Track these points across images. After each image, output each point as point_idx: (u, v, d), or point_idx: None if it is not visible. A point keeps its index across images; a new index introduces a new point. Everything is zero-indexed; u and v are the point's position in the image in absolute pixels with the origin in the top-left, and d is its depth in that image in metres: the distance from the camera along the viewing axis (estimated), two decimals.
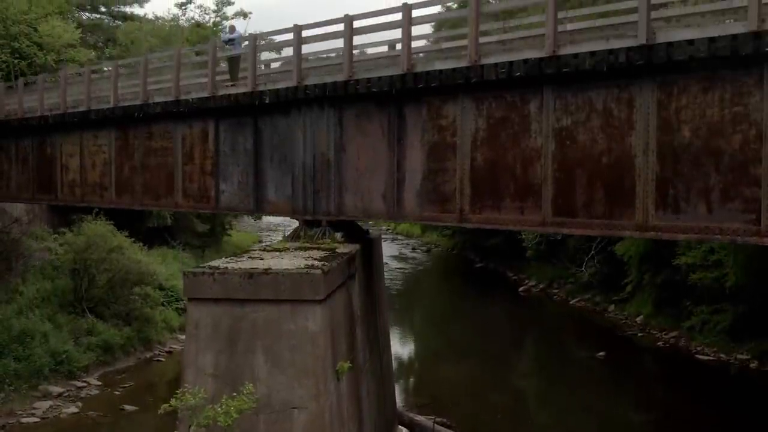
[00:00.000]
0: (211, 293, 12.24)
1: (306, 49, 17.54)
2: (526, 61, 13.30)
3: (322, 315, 12.14)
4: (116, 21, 48.51)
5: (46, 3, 41.17)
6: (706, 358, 29.54)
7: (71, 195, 24.83)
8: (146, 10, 59.24)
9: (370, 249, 17.67)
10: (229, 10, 57.97)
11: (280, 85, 17.58)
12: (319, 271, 12.20)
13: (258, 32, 18.76)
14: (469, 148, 14.56)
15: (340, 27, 16.24)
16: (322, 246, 15.77)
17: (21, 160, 27.00)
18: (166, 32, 47.31)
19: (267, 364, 11.96)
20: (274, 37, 19.06)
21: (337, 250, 15.15)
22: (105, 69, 24.23)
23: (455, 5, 49.70)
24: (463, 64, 14.16)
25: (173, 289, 35.59)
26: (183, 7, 55.45)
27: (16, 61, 37.40)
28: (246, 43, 18.80)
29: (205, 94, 19.36)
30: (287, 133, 17.90)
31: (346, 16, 16.06)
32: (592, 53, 12.49)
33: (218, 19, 56.95)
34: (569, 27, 14.48)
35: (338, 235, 16.84)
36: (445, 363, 31.30)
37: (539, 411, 25.85)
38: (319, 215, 17.18)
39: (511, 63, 13.49)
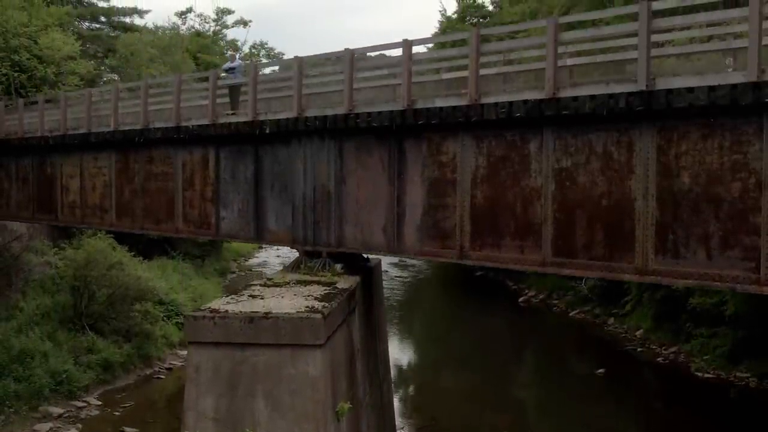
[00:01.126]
0: (212, 337, 12.27)
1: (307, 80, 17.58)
2: (526, 101, 13.33)
3: (322, 359, 12.17)
4: (116, 31, 48.48)
5: (46, 15, 41.23)
6: (705, 375, 29.57)
7: (71, 216, 24.86)
8: (146, 20, 59.45)
9: (370, 278, 17.71)
10: (229, 19, 58.08)
11: (281, 116, 17.62)
12: (319, 316, 12.23)
13: (258, 62, 18.76)
14: (470, 185, 14.58)
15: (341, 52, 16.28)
16: (323, 280, 15.79)
17: (21, 179, 27.03)
18: (166, 42, 47.32)
19: (267, 408, 12.00)
20: (276, 69, 19.05)
21: (337, 285, 15.18)
22: (105, 91, 24.15)
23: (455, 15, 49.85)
24: (463, 102, 14.19)
25: (173, 303, 35.68)
26: (183, 16, 55.49)
27: (16, 74, 37.41)
28: (245, 70, 18.81)
29: (206, 122, 19.40)
30: (288, 163, 17.93)
31: (347, 50, 16.08)
32: (592, 97, 12.51)
33: (218, 27, 57.05)
34: (569, 62, 14.54)
35: (338, 266, 16.87)
36: (443, 376, 31.45)
37: (540, 428, 25.93)
38: (319, 246, 17.21)
39: (511, 103, 13.52)
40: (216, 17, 59.13)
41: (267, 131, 17.80)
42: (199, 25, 59.56)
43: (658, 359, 32.30)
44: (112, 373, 28.35)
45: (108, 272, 30.65)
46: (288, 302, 13.28)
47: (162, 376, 30.07)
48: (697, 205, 11.82)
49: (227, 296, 14.11)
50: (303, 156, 17.49)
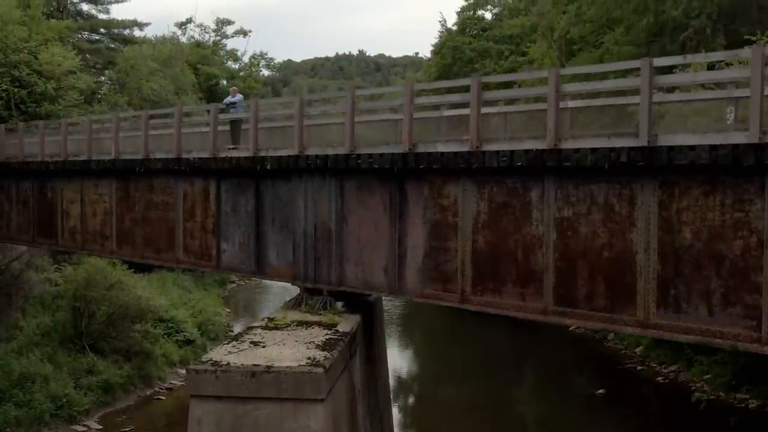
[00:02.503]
0: (214, 391, 12.28)
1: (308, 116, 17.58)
2: (527, 151, 13.34)
3: (324, 412, 12.19)
4: (115, 42, 48.39)
5: (46, 29, 41.20)
6: (705, 396, 29.56)
7: (72, 241, 24.86)
8: (146, 32, 58.80)
9: (371, 315, 17.71)
10: (229, 29, 58.00)
11: (282, 153, 17.62)
12: (320, 370, 12.24)
13: (260, 99, 18.76)
14: (471, 229, 14.59)
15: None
16: (324, 321, 15.80)
17: (21, 201, 27.03)
18: (166, 55, 47.26)
19: None
20: (276, 107, 19.06)
21: (338, 328, 15.19)
22: (106, 119, 24.14)
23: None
24: (464, 148, 14.19)
25: (173, 320, 35.75)
26: (183, 27, 55.42)
27: (16, 89, 37.38)
28: (246, 105, 18.82)
29: (207, 155, 19.38)
30: (288, 199, 17.94)
31: (349, 91, 16.08)
32: (594, 149, 12.52)
33: (218, 38, 57.02)
34: (570, 104, 14.55)
35: (339, 304, 16.89)
36: (442, 390, 31.55)
37: None
38: (320, 284, 17.22)
39: (512, 152, 13.53)
40: (216, 27, 59.18)
41: (268, 167, 17.78)
42: (199, 35, 59.66)
43: (658, 378, 32.34)
44: (112, 395, 28.37)
45: (108, 292, 30.68)
46: (289, 352, 13.29)
47: (162, 397, 30.08)
48: (698, 260, 11.83)
49: (228, 343, 14.10)
50: (304, 192, 17.49)
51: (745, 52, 11.11)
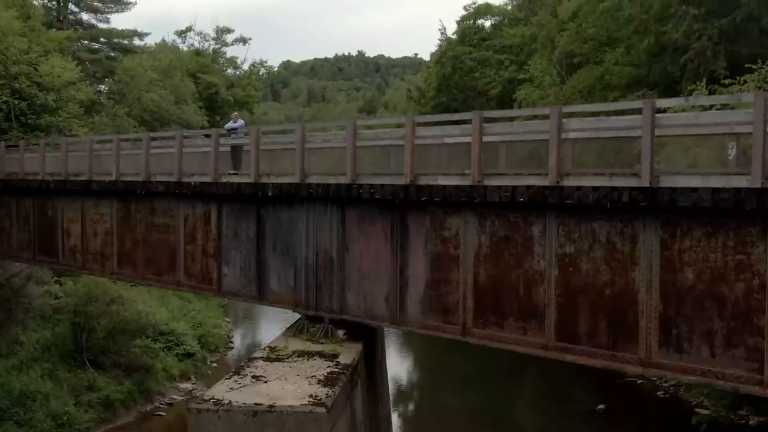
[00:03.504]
0: (216, 431, 12.27)
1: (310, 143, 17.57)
2: (529, 187, 13.35)
3: None
4: (115, 51, 48.31)
5: (46, 40, 41.13)
6: (706, 412, 29.59)
7: (72, 260, 24.87)
8: (146, 41, 58.87)
9: (372, 342, 17.70)
10: (229, 37, 57.97)
11: (283, 180, 17.63)
12: (323, 410, 12.24)
13: (261, 126, 18.77)
14: (472, 262, 14.60)
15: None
16: (325, 351, 15.80)
17: (22, 218, 27.04)
18: (166, 65, 47.22)
19: None
20: (278, 134, 19.07)
21: (339, 360, 15.19)
22: (107, 141, 24.12)
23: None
24: (466, 182, 14.20)
25: (173, 333, 35.73)
26: (183, 35, 55.40)
27: (16, 101, 37.34)
28: (247, 130, 18.83)
29: (208, 179, 19.38)
30: (290, 225, 17.95)
31: (350, 121, 16.08)
32: (595, 188, 12.53)
33: (218, 46, 56.99)
34: (572, 135, 14.52)
35: (340, 332, 16.89)
36: (441, 400, 31.60)
37: None
38: (321, 311, 17.23)
39: (514, 187, 13.54)
40: (215, 36, 59.15)
41: (269, 194, 17.80)
42: (199, 43, 59.64)
43: (658, 393, 32.32)
44: (113, 412, 28.35)
45: (108, 307, 30.68)
46: (291, 388, 13.29)
47: (162, 413, 30.06)
48: (700, 301, 11.84)
49: (230, 378, 14.08)
50: (305, 219, 17.50)
51: (748, 97, 11.09)
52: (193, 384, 33.30)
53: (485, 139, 14.31)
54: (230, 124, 19.30)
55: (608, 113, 15.76)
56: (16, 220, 27.16)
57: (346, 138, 16.26)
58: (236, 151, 19.06)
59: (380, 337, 18.59)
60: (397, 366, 35.33)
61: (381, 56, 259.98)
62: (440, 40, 55.89)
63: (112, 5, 48.81)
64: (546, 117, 13.09)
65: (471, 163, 14.13)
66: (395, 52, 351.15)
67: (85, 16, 49.33)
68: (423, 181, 14.96)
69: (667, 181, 11.81)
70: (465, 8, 50.09)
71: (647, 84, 25.68)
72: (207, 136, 20.69)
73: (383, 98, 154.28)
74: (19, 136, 37.03)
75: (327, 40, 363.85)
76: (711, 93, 19.29)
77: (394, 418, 23.64)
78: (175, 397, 31.35)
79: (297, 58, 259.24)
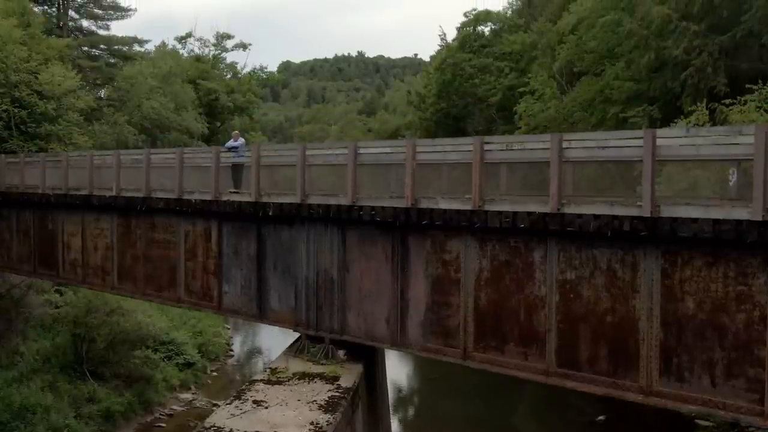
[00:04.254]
0: None
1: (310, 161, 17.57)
2: (530, 213, 13.35)
3: None
4: (115, 58, 48.25)
5: (46, 47, 41.12)
6: (707, 424, 29.53)
7: (73, 274, 24.86)
8: (146, 48, 58.42)
9: (372, 361, 17.69)
10: (229, 43, 57.92)
11: (284, 200, 17.63)
12: None
13: (262, 145, 18.76)
14: (473, 286, 14.60)
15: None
16: (326, 373, 15.81)
17: (22, 231, 27.02)
18: (166, 71, 47.18)
19: None
20: (279, 155, 19.09)
21: (340, 382, 15.20)
22: (107, 156, 24.10)
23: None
24: (467, 207, 14.20)
25: (173, 343, 35.69)
26: (183, 41, 55.37)
27: (16, 110, 37.33)
28: (248, 149, 18.83)
29: (208, 197, 19.37)
30: (290, 245, 17.94)
31: (351, 144, 16.09)
32: (596, 216, 12.54)
33: (218, 51, 56.99)
34: (573, 156, 14.48)
35: (341, 353, 16.89)
36: (440, 408, 31.56)
37: None
38: (322, 331, 17.23)
39: (515, 213, 13.54)
40: (215, 42, 59.15)
41: (270, 214, 17.80)
42: (199, 49, 59.61)
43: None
44: (113, 424, 28.29)
45: (108, 318, 30.67)
46: (292, 414, 13.29)
47: (163, 424, 30.02)
48: (701, 331, 11.85)
49: (231, 403, 14.09)
50: (306, 239, 17.50)
51: (749, 129, 11.11)
52: (193, 394, 33.29)
53: (486, 159, 14.32)
54: (231, 143, 19.29)
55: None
56: (16, 232, 27.15)
57: (346, 159, 16.25)
58: (237, 169, 19.05)
59: (381, 357, 18.57)
60: (398, 375, 35.33)
61: (381, 56, 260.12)
62: (440, 45, 55.90)
63: (112, 12, 48.88)
64: (546, 147, 13.07)
65: (472, 188, 14.11)
66: (395, 53, 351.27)
67: (85, 23, 49.41)
68: (424, 204, 14.97)
69: (667, 211, 11.82)
70: (465, 15, 50.17)
71: (647, 99, 25.68)
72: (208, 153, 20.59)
73: (383, 99, 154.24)
74: (19, 145, 37.10)
75: (326, 41, 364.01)
76: (711, 112, 19.31)
77: (396, 427, 23.59)
78: (175, 407, 31.33)
79: (297, 59, 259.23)
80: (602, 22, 27.51)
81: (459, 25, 52.13)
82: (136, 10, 49.46)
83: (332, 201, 16.66)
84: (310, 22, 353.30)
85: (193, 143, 48.46)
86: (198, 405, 32.14)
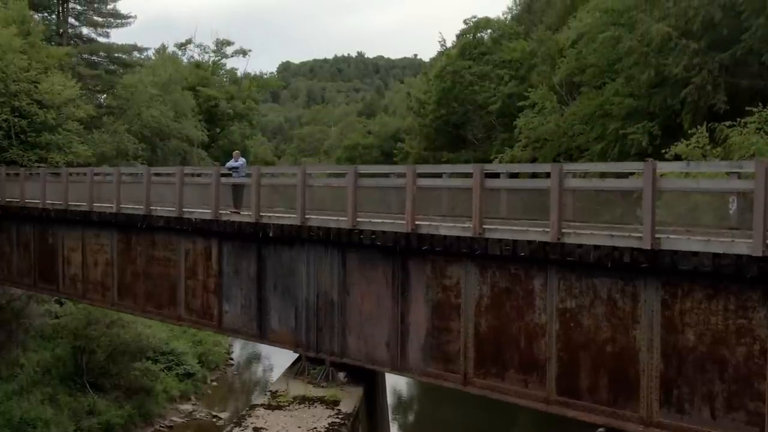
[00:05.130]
0: None
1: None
2: (530, 242, 13.36)
3: None
4: (113, 65, 48.20)
5: (46, 56, 41.07)
6: None
7: (73, 289, 24.86)
8: (145, 55, 58.24)
9: (373, 383, 17.69)
10: (229, 50, 57.93)
11: (284, 221, 17.64)
12: None
13: (262, 167, 18.76)
14: (473, 312, 14.60)
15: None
16: (326, 397, 15.82)
17: (22, 245, 27.02)
18: (166, 79, 47.15)
19: None
20: (278, 177, 19.09)
21: (341, 407, 15.21)
22: (107, 174, 24.12)
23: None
24: (467, 234, 14.21)
25: (173, 353, 35.72)
26: (182, 47, 55.38)
27: (16, 119, 37.33)
28: (248, 171, 18.84)
29: (209, 216, 19.38)
30: (291, 265, 17.95)
31: (351, 168, 16.10)
32: (597, 246, 12.55)
33: (218, 58, 57.00)
34: (573, 184, 14.50)
35: (341, 375, 16.90)
36: (439, 415, 31.63)
37: None
38: (322, 353, 17.24)
39: (515, 241, 13.55)
40: (215, 48, 59.13)
41: (270, 235, 17.82)
42: (199, 55, 59.62)
43: None
44: None
45: (108, 330, 30.71)
46: None
47: None
48: (701, 363, 11.86)
49: (231, 430, 14.10)
50: (306, 260, 17.51)
51: (749, 165, 11.12)
52: (193, 405, 33.34)
53: (487, 186, 14.34)
54: (231, 163, 19.30)
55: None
56: (16, 246, 27.15)
57: (347, 182, 16.26)
58: (237, 190, 19.06)
59: (381, 378, 18.56)
60: (399, 385, 35.32)
61: (380, 57, 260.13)
62: (440, 50, 55.83)
63: (112, 19, 48.84)
64: (547, 175, 13.09)
65: (472, 215, 14.12)
66: (394, 53, 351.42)
67: (84, 30, 49.36)
68: (424, 230, 14.98)
69: (668, 244, 11.83)
70: (465, 22, 50.13)
71: (647, 115, 25.68)
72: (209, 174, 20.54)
73: (383, 101, 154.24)
74: (18, 154, 37.10)
75: (326, 41, 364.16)
76: (711, 131, 19.30)
77: None
78: (175, 419, 31.39)
79: (296, 59, 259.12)
80: (602, 38, 27.50)
81: (459, 33, 52.21)
82: (135, 17, 49.44)
83: (332, 224, 16.67)
84: (310, 22, 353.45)
85: (193, 151, 48.58)
86: (198, 416, 32.20)
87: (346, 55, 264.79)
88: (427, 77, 58.51)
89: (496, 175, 15.83)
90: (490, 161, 43.30)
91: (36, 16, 47.11)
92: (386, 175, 17.35)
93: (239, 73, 61.60)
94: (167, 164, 45.58)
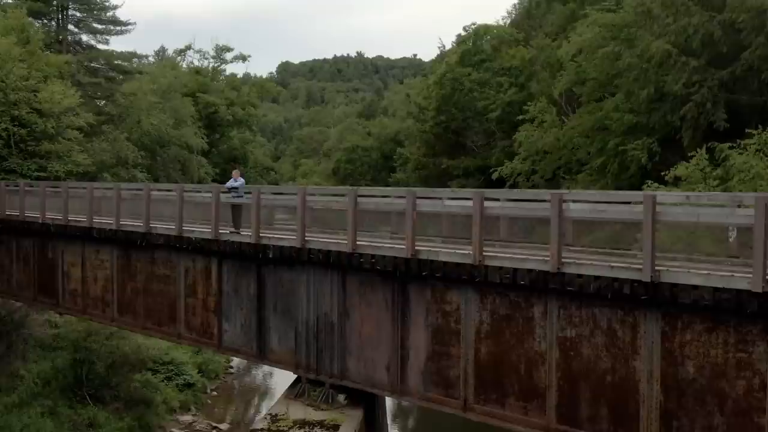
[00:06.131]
0: None
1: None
2: (530, 271, 13.37)
3: None
4: (113, 71, 48.19)
5: (45, 64, 41.09)
6: None
7: (73, 304, 24.89)
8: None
9: (373, 405, 17.72)
10: (228, 55, 57.95)
11: (284, 243, 17.65)
12: None
13: (262, 188, 18.77)
14: (473, 338, 14.61)
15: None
16: (326, 420, 15.86)
17: (22, 258, 27.03)
18: (165, 86, 47.14)
19: None
20: (280, 197, 19.10)
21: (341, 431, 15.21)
22: (107, 189, 24.11)
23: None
24: (467, 261, 14.20)
25: (173, 363, 35.72)
26: (182, 54, 55.34)
27: (15, 128, 37.34)
28: (249, 193, 18.84)
29: (209, 235, 19.38)
30: (290, 286, 17.96)
31: (352, 191, 16.11)
32: (597, 277, 12.56)
33: (217, 64, 56.98)
34: (572, 208, 14.49)
35: (341, 397, 16.93)
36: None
37: None
38: (322, 375, 17.26)
39: (515, 270, 13.56)
40: (215, 54, 59.10)
41: (270, 256, 17.84)
42: (198, 61, 59.61)
43: None
44: None
45: (108, 342, 30.72)
46: None
47: None
48: (701, 396, 11.86)
49: None
50: (306, 282, 17.53)
51: (749, 199, 11.13)
52: (193, 416, 33.33)
53: (487, 213, 14.35)
54: (231, 183, 19.29)
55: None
56: (16, 259, 27.16)
57: (347, 205, 16.27)
58: (236, 210, 19.05)
59: (382, 400, 18.57)
60: (399, 408, 35.25)
61: (380, 57, 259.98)
62: (439, 55, 55.77)
63: (112, 26, 48.82)
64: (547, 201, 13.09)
65: (472, 242, 14.13)
66: (394, 53, 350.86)
67: (84, 37, 49.37)
68: (424, 255, 14.97)
69: (668, 277, 11.83)
70: (464, 29, 50.11)
71: (646, 130, 25.67)
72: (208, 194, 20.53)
73: (383, 102, 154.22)
74: (18, 163, 37.12)
75: (325, 41, 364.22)
76: (710, 151, 19.30)
77: None
78: (174, 430, 31.36)
79: (295, 59, 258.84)
80: (602, 53, 27.48)
81: (458, 40, 52.15)
82: (135, 24, 49.40)
83: (332, 247, 16.67)
84: (309, 22, 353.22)
85: (193, 158, 48.61)
86: (198, 427, 32.20)
87: (345, 55, 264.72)
88: (427, 83, 58.56)
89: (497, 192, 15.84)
90: (490, 168, 43.41)
91: (35, 23, 47.12)
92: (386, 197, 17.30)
93: (239, 75, 61.73)
94: (167, 171, 45.63)
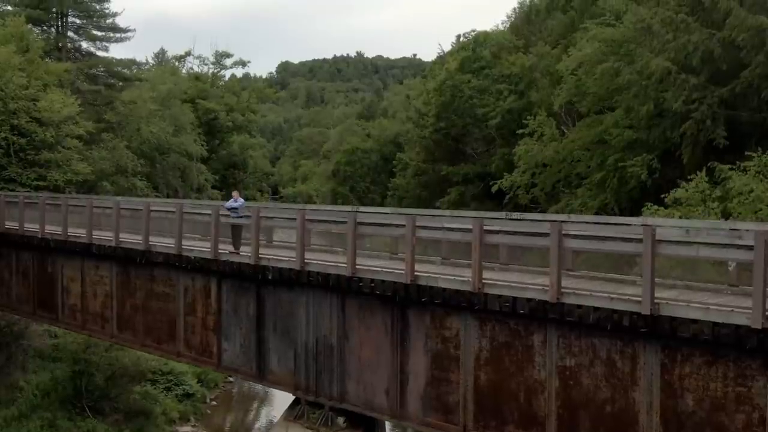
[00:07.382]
0: None
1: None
2: (529, 300, 13.37)
3: None
4: (112, 78, 48.15)
5: (45, 73, 41.06)
6: None
7: (72, 319, 24.88)
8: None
9: (372, 429, 17.69)
10: (228, 61, 57.91)
11: (284, 265, 17.64)
12: None
13: (261, 209, 18.76)
14: (473, 365, 14.60)
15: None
16: None
17: (21, 272, 27.03)
18: (165, 93, 47.09)
19: None
20: (279, 220, 19.10)
21: None
22: (106, 206, 24.09)
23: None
24: (466, 288, 14.20)
25: (172, 372, 35.70)
26: (182, 60, 55.34)
27: (15, 137, 37.34)
28: (249, 213, 18.83)
29: (208, 256, 19.37)
30: (290, 308, 17.95)
31: (351, 212, 16.10)
32: (596, 308, 12.56)
33: (217, 69, 57.00)
34: (572, 244, 14.38)
35: (341, 420, 16.93)
36: None
37: None
38: (321, 397, 17.25)
39: (515, 299, 13.56)
40: (214, 60, 59.11)
41: (270, 278, 17.83)
42: (198, 67, 59.60)
43: None
44: None
45: (107, 353, 30.73)
46: None
47: None
48: (701, 429, 11.86)
49: None
50: (305, 303, 17.52)
51: (748, 235, 11.13)
52: (192, 426, 33.36)
53: (486, 241, 14.36)
54: (231, 203, 19.26)
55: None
56: (15, 273, 27.15)
57: (346, 228, 16.27)
58: (236, 231, 19.03)
59: (381, 424, 18.54)
60: None
61: (380, 57, 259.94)
62: (439, 57, 55.69)
63: (112, 34, 48.81)
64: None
65: (471, 270, 14.12)
66: (394, 53, 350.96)
67: (84, 45, 49.32)
68: (423, 281, 14.97)
69: (667, 310, 11.83)
70: (464, 35, 50.10)
71: (646, 146, 25.68)
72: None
73: (383, 103, 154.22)
74: (17, 172, 37.13)
75: (325, 41, 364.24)
76: (710, 171, 19.28)
77: None
78: None
79: (295, 59, 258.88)
80: (601, 69, 27.49)
81: (457, 46, 52.11)
82: (135, 30, 49.43)
83: (332, 270, 16.67)
84: (309, 22, 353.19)
85: (193, 165, 48.61)
86: None
87: (345, 55, 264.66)
88: (426, 88, 58.53)
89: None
90: (490, 175, 43.38)
91: (35, 30, 47.07)
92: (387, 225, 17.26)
93: (239, 76, 61.58)
94: (166, 179, 45.62)
